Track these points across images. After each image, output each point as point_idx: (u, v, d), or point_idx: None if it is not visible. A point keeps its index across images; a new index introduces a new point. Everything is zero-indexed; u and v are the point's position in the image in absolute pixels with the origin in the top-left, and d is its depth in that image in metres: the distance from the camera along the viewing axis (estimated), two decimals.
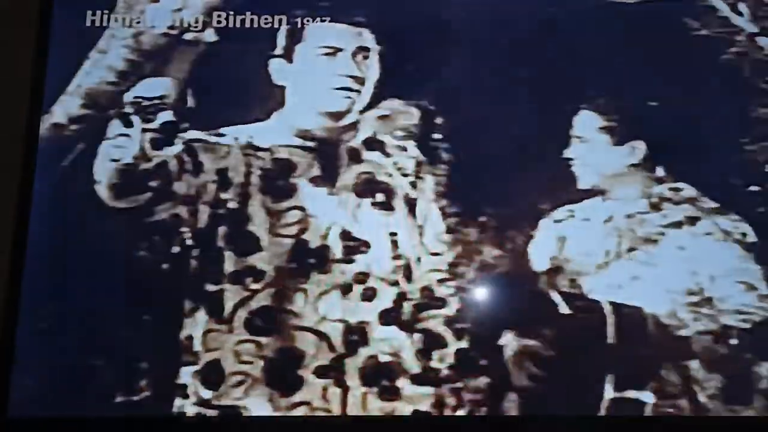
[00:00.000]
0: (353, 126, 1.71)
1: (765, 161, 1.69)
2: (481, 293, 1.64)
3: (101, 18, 1.74)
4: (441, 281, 1.63)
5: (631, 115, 1.72)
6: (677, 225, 1.67)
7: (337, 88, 1.71)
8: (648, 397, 1.57)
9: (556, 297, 1.63)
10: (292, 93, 1.72)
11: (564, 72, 1.74)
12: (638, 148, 1.71)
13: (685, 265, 1.64)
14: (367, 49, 1.72)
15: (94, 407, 1.57)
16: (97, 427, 1.58)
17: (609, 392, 1.57)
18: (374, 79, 1.72)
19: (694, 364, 1.58)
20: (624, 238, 1.67)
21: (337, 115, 1.71)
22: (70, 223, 1.66)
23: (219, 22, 1.74)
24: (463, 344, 1.59)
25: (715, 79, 1.74)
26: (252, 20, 1.75)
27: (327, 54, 1.72)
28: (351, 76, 1.71)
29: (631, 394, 1.57)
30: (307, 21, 1.74)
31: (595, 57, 1.74)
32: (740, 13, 1.75)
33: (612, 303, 1.62)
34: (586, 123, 1.71)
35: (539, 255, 1.66)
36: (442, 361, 1.58)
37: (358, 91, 1.71)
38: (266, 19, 1.75)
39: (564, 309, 1.62)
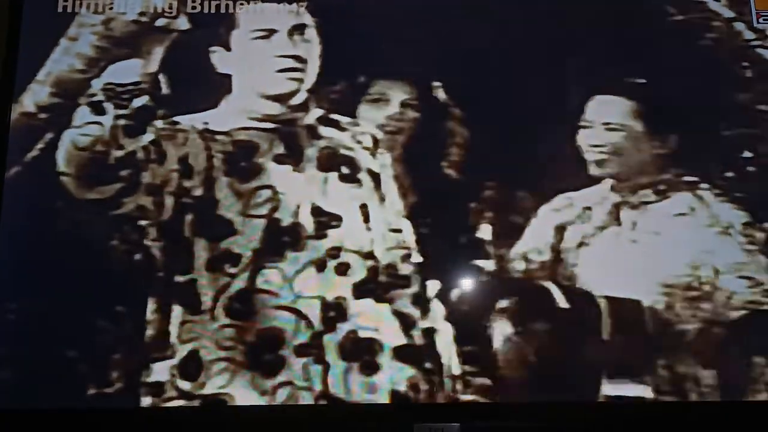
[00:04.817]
0: (304, 105, 1.69)
1: (742, 147, 1.70)
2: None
3: (73, 4, 1.71)
4: (404, 258, 1.62)
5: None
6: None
7: (280, 70, 1.68)
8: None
9: (554, 290, 1.62)
10: (237, 80, 1.70)
11: (538, 58, 1.73)
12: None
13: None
14: (303, 26, 1.70)
15: (66, 400, 1.55)
16: (69, 420, 1.55)
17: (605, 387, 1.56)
18: (317, 56, 1.70)
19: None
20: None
21: (284, 97, 1.68)
22: (40, 213, 1.63)
23: (194, 7, 1.72)
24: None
25: (692, 64, 1.75)
26: (227, 6, 1.73)
27: (262, 37, 1.69)
28: (292, 56, 1.69)
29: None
30: (240, 5, 1.72)
31: (570, 42, 1.74)
32: None
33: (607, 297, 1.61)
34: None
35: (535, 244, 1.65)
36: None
37: (301, 70, 1.68)
38: (241, 4, 1.73)
39: (562, 302, 1.61)
